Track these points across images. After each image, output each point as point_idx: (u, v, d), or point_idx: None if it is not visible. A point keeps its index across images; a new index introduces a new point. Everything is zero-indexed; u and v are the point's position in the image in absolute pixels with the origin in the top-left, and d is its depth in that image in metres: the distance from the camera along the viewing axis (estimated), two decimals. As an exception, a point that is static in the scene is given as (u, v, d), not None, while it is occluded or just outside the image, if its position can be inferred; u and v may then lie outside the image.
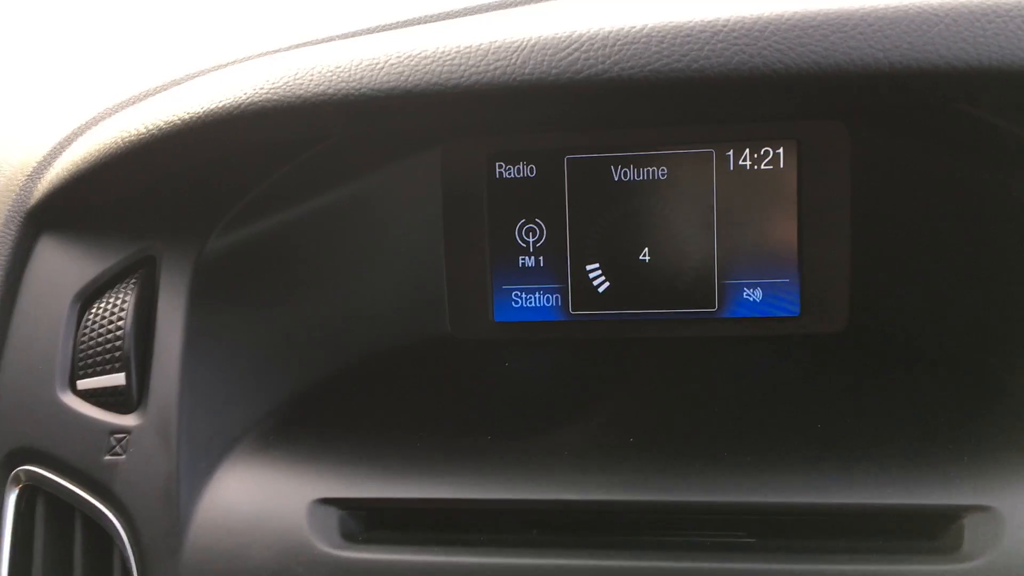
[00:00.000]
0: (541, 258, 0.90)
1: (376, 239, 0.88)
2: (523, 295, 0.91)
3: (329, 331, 0.84)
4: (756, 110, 0.82)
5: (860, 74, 0.56)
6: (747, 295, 0.87)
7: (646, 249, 0.88)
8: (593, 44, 0.59)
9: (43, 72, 0.99)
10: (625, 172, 0.87)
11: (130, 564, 0.69)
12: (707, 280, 0.88)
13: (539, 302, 0.90)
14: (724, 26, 0.57)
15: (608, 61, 0.58)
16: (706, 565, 0.61)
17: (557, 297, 0.90)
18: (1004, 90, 0.59)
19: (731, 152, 0.86)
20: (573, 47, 0.59)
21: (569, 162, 0.88)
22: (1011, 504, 0.60)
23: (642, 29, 0.59)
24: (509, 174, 0.89)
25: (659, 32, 0.58)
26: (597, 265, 0.89)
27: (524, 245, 0.90)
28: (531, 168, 0.89)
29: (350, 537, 0.66)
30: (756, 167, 0.86)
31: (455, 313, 0.92)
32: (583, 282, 0.90)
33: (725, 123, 0.85)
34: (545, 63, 0.59)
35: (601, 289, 0.89)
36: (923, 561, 0.59)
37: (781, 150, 0.85)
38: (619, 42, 0.58)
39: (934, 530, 0.61)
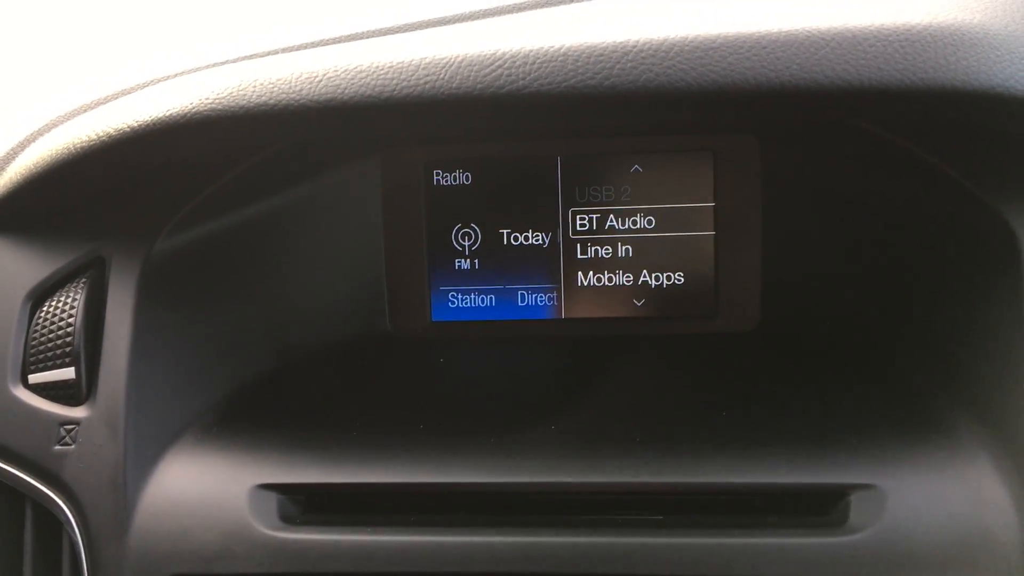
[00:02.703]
0: (476, 261, 0.95)
1: (319, 241, 0.92)
2: (459, 296, 0.96)
3: (272, 329, 0.88)
4: (667, 123, 0.87)
5: (754, 92, 0.62)
6: (668, 296, 0.93)
7: (576, 251, 0.94)
8: (515, 62, 0.64)
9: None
10: (556, 180, 0.93)
11: (79, 548, 0.72)
12: (632, 282, 0.93)
13: (474, 303, 0.95)
14: (633, 47, 0.63)
15: (528, 77, 0.64)
16: (618, 540, 0.66)
17: (491, 298, 0.95)
18: (884, 107, 0.65)
19: (653, 162, 0.92)
20: (496, 64, 0.64)
21: (503, 169, 0.93)
22: (892, 483, 0.66)
23: (560, 49, 0.64)
24: (446, 181, 0.94)
25: (575, 52, 0.63)
26: (528, 268, 0.95)
27: (460, 249, 0.95)
28: (467, 175, 0.94)
29: (288, 520, 0.70)
30: (677, 176, 0.92)
31: (395, 313, 0.97)
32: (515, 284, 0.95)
33: (647, 135, 0.91)
34: (471, 78, 0.64)
35: (531, 291, 0.95)
36: (813, 534, 0.65)
37: (699, 160, 0.91)
38: (538, 60, 0.64)
39: (824, 506, 0.67)
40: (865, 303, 0.85)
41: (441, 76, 0.65)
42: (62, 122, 0.80)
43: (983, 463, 0.67)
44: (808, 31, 0.62)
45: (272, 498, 0.71)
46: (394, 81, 0.65)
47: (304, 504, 0.72)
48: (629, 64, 0.63)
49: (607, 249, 0.93)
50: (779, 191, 0.90)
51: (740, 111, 0.66)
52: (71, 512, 0.73)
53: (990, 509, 0.65)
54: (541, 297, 0.95)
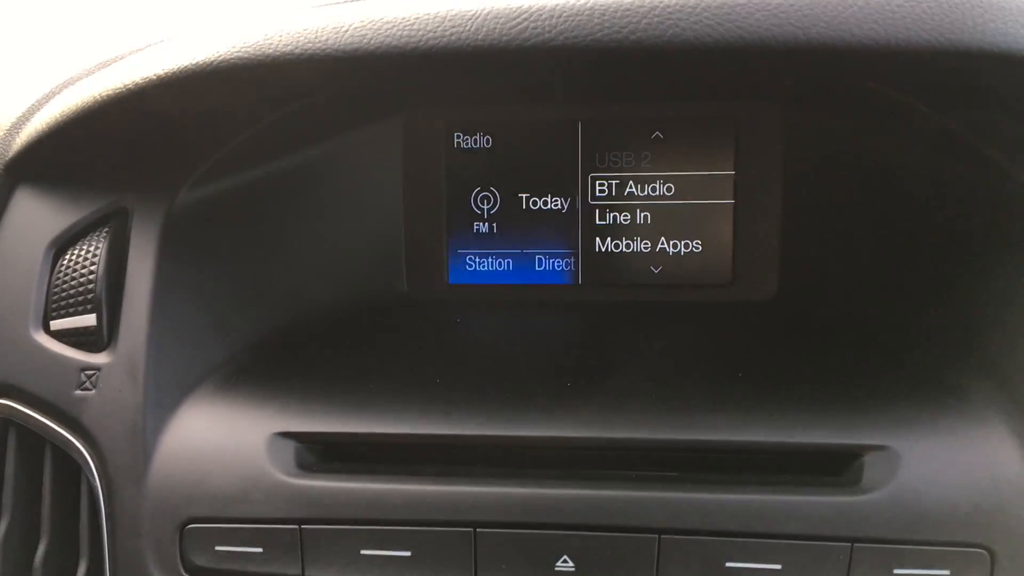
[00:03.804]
0: (494, 225, 0.95)
1: (339, 201, 0.92)
2: (476, 259, 0.96)
3: (290, 285, 0.88)
4: (690, 88, 0.87)
5: (780, 49, 0.62)
6: (685, 264, 0.93)
7: (595, 217, 0.94)
8: (541, 15, 0.64)
9: (22, 36, 1.03)
10: (576, 145, 0.93)
11: (97, 491, 0.73)
12: (650, 249, 0.94)
13: (491, 266, 0.96)
14: (660, 2, 0.63)
15: (554, 31, 0.64)
16: (632, 494, 0.66)
17: (508, 262, 0.96)
18: (911, 68, 0.65)
19: (675, 129, 0.92)
20: (523, 17, 0.64)
21: (524, 133, 0.94)
22: (906, 444, 0.66)
23: (587, 3, 0.64)
24: (466, 144, 0.95)
25: (602, 6, 0.63)
26: (546, 233, 0.95)
27: (479, 212, 0.96)
28: (487, 139, 0.94)
29: (305, 467, 0.71)
30: (698, 143, 0.92)
31: (412, 274, 0.97)
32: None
33: (669, 102, 0.91)
34: (496, 30, 0.64)
35: (548, 256, 0.95)
36: (827, 493, 0.65)
37: (721, 129, 0.91)
38: (565, 13, 0.64)
39: (838, 466, 0.67)
40: (883, 273, 0.85)
41: (467, 28, 0.65)
42: (87, 74, 0.81)
43: (997, 426, 0.67)
44: (836, -11, 0.62)
45: (290, 446, 0.72)
46: (420, 32, 0.66)
47: (321, 453, 0.73)
48: (656, 19, 0.63)
49: (626, 215, 0.94)
50: (800, 161, 0.90)
51: (765, 71, 0.67)
52: (90, 456, 0.73)
53: (1003, 471, 0.65)
54: (558, 262, 0.95)
